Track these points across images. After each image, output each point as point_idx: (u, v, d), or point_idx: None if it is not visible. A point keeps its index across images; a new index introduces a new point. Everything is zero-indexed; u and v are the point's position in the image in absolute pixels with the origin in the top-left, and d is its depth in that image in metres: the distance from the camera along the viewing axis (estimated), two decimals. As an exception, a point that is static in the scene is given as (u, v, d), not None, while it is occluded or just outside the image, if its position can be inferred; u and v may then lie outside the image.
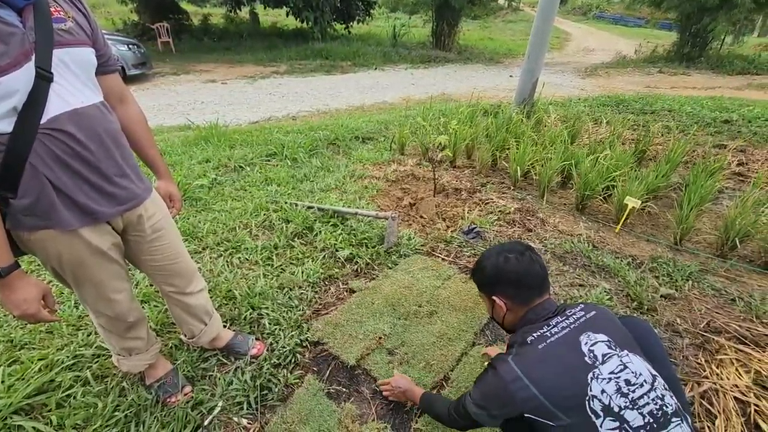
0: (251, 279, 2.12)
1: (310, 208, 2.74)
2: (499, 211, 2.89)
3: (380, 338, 1.80)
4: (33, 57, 0.88)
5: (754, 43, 17.19)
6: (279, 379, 1.59)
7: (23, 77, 0.86)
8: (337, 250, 2.37)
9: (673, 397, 0.93)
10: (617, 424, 0.87)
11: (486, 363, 1.67)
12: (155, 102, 6.92)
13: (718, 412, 1.49)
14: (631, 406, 0.88)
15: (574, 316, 1.02)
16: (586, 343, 0.96)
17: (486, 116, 4.62)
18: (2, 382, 1.46)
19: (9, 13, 0.85)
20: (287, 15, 13.48)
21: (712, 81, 10.60)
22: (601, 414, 0.88)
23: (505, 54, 15.01)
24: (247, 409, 1.49)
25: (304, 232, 2.55)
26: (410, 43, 14.93)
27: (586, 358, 0.94)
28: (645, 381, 0.92)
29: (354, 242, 2.47)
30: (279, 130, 4.58)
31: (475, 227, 2.62)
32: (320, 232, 2.53)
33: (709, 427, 1.45)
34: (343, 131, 4.48)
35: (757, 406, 1.49)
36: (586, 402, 0.89)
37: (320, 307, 2.01)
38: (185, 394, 1.50)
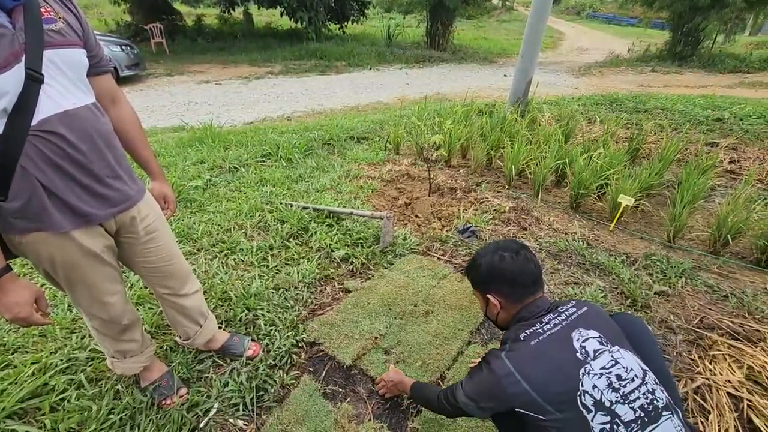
0: (246, 280, 2.11)
1: (305, 208, 2.74)
2: (494, 210, 2.91)
3: (376, 338, 1.81)
4: (23, 58, 0.87)
5: (745, 41, 17.35)
6: (275, 380, 1.59)
7: (13, 78, 0.85)
8: (332, 251, 2.37)
9: (664, 392, 0.95)
10: (608, 418, 0.88)
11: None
12: (149, 103, 6.89)
13: (712, 407, 1.50)
14: (622, 401, 0.89)
15: (566, 313, 1.03)
16: (578, 339, 0.97)
17: (480, 116, 4.63)
18: (-5, 386, 1.45)
19: (-2, 14, 0.85)
20: (281, 15, 13.46)
21: (704, 79, 10.71)
22: (593, 409, 0.89)
23: (499, 53, 15.07)
24: (243, 410, 1.48)
25: (299, 232, 2.55)
26: (405, 42, 14.93)
27: (578, 354, 0.95)
28: (636, 376, 0.93)
29: (349, 242, 2.47)
30: (274, 131, 4.57)
31: (471, 226, 2.63)
32: (315, 232, 2.53)
33: (702, 422, 1.46)
34: (338, 131, 4.48)
35: (749, 401, 1.51)
36: (578, 397, 0.90)
37: (316, 307, 2.01)
38: (180, 396, 1.49)
